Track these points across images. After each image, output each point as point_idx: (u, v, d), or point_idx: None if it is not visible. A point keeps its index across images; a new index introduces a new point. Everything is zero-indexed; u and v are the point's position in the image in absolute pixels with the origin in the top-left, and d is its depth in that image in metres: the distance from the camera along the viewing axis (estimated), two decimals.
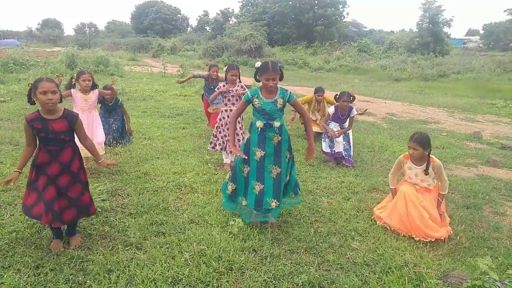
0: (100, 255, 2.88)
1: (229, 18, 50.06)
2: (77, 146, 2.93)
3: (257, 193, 3.23)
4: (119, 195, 4.11)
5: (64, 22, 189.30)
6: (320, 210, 3.94)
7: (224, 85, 4.98)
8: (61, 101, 2.79)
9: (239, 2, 47.85)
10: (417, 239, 3.37)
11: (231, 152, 5.08)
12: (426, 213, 3.43)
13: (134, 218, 3.56)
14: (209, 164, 5.26)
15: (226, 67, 5.12)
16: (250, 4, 45.16)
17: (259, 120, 3.27)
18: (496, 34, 50.37)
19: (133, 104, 9.70)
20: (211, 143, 5.14)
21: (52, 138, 2.71)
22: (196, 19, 78.22)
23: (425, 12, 31.27)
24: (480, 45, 50.80)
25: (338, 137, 5.46)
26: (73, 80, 4.51)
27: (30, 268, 2.69)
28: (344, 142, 5.56)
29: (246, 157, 3.28)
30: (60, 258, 2.83)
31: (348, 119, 5.64)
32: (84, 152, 4.30)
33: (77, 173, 2.86)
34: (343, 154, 5.50)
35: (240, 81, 5.06)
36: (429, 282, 2.72)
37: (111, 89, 5.35)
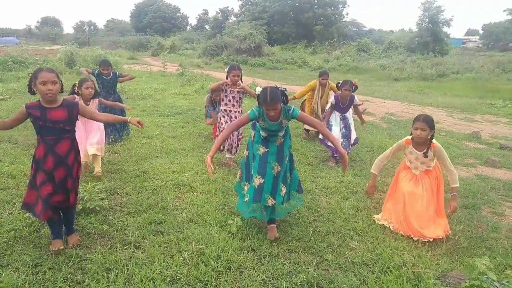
0: (98, 254, 2.88)
1: (229, 17, 50.01)
2: (76, 140, 2.90)
3: (256, 187, 3.19)
4: (117, 194, 4.11)
5: (63, 20, 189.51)
6: (318, 209, 3.94)
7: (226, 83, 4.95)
8: (62, 91, 2.77)
9: (238, 1, 47.83)
10: (415, 239, 3.38)
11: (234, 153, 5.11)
12: (425, 212, 3.42)
13: (133, 217, 3.56)
14: None
15: (227, 67, 5.06)
16: (249, 3, 45.07)
17: (264, 132, 3.26)
18: (495, 34, 50.38)
19: (132, 103, 9.68)
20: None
21: (50, 127, 2.69)
22: (196, 17, 78.17)
23: (424, 12, 31.29)
24: (480, 45, 50.81)
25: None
26: (75, 87, 4.36)
27: (29, 267, 2.69)
28: (342, 140, 5.50)
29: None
30: (59, 257, 2.83)
31: (350, 109, 5.55)
32: (84, 157, 4.30)
33: (71, 167, 2.83)
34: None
35: (242, 82, 5.00)
36: (427, 282, 2.72)
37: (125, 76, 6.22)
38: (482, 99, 14.54)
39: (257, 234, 3.30)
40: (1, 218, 3.35)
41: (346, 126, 5.58)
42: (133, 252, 2.98)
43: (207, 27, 56.62)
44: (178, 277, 2.68)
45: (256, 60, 27.75)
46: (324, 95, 6.68)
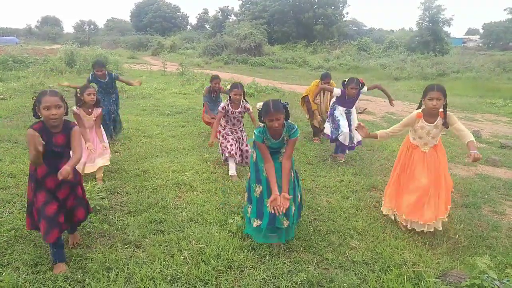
0: (99, 253, 2.88)
1: (229, 16, 49.95)
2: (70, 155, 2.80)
3: (270, 212, 2.96)
4: (118, 193, 4.11)
5: (64, 19, 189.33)
6: (319, 208, 3.94)
7: (223, 107, 4.76)
8: (66, 114, 2.71)
9: (238, 0, 47.73)
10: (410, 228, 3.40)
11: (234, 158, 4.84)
12: (426, 195, 3.39)
13: (133, 216, 3.56)
14: (208, 162, 5.26)
15: (229, 85, 4.89)
16: (249, 2, 45.00)
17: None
18: (496, 33, 50.33)
19: (132, 102, 9.69)
20: (222, 153, 4.96)
21: (54, 150, 2.61)
22: (196, 17, 78.26)
23: (425, 11, 31.23)
24: (480, 44, 50.76)
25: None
26: (78, 93, 4.26)
27: (29, 266, 2.69)
28: (350, 132, 5.37)
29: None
30: None
31: (354, 106, 5.44)
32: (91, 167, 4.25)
33: (72, 181, 2.74)
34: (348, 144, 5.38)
35: (244, 100, 4.81)
36: (428, 281, 2.72)
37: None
38: (482, 98, 14.55)
39: None
40: (2, 218, 3.35)
41: (349, 124, 5.46)
42: (133, 251, 2.98)
43: (207, 26, 56.57)
44: (178, 276, 2.68)
45: (256, 59, 27.73)
46: (327, 96, 6.56)
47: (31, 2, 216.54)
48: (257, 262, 2.91)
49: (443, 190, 3.44)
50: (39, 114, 2.61)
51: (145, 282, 2.58)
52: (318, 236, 3.35)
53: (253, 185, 3.18)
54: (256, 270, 2.81)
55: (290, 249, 3.14)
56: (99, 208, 3.58)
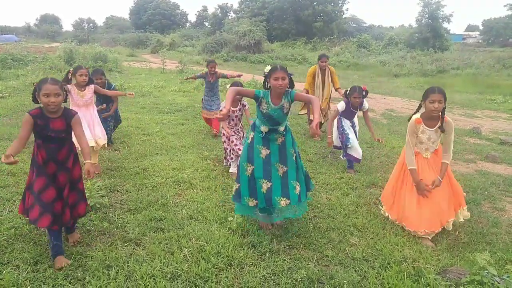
0: (99, 251, 2.88)
1: (228, 14, 49.84)
2: (73, 144, 2.89)
3: (265, 192, 3.13)
4: (118, 191, 4.11)
5: (63, 17, 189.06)
6: (319, 205, 3.94)
7: (221, 110, 4.73)
8: (65, 101, 2.79)
9: None
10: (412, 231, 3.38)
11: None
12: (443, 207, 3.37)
13: (133, 214, 3.56)
14: (208, 160, 5.25)
15: (230, 85, 4.91)
16: (248, 0, 44.95)
17: (264, 125, 3.23)
18: (495, 29, 50.18)
19: (131, 100, 9.67)
20: (225, 158, 4.98)
21: (52, 136, 2.69)
22: (195, 14, 77.82)
23: (424, 8, 31.17)
24: (480, 41, 50.64)
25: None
26: (70, 74, 4.42)
27: (29, 264, 2.69)
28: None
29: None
30: None
31: (356, 115, 5.20)
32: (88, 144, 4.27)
33: (71, 169, 2.82)
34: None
35: (242, 100, 4.79)
36: (428, 277, 2.72)
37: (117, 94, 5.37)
38: (482, 94, 14.54)
39: (257, 231, 3.30)
40: (2, 216, 3.34)
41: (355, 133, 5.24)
42: (133, 249, 2.98)
43: (206, 24, 56.44)
44: (178, 273, 2.68)
45: (255, 56, 27.68)
46: (326, 80, 6.47)
47: (30, 0, 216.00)
48: (257, 259, 2.91)
49: (450, 194, 3.44)
50: (38, 100, 2.71)
51: (145, 280, 2.58)
52: (318, 233, 3.35)
53: (244, 163, 3.28)
54: (256, 267, 2.81)
55: (290, 246, 3.14)
56: (99, 206, 3.58)
